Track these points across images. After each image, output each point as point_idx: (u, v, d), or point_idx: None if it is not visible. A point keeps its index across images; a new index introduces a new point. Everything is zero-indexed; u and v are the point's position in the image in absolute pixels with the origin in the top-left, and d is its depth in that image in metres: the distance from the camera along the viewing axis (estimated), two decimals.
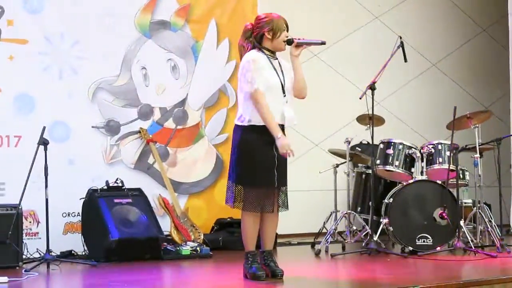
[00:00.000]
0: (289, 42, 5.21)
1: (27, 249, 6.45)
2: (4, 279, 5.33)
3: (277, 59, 5.25)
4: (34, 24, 6.94)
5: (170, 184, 7.28)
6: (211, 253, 6.86)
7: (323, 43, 5.35)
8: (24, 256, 6.27)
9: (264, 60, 5.16)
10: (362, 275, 5.74)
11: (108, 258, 6.42)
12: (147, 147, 7.39)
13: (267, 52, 5.21)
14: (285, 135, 5.18)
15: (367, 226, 7.12)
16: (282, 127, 5.19)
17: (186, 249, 6.80)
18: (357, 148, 7.72)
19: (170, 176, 7.43)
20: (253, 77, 5.07)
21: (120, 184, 6.91)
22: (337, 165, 7.65)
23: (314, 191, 8.41)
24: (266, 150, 5.13)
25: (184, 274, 6.20)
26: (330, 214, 7.52)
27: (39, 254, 6.42)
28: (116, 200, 6.73)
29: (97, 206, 6.60)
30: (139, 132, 7.40)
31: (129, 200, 6.78)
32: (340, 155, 7.67)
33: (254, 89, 5.06)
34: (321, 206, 7.89)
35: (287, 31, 5.24)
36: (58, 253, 6.54)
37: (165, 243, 6.83)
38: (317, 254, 6.84)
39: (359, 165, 7.87)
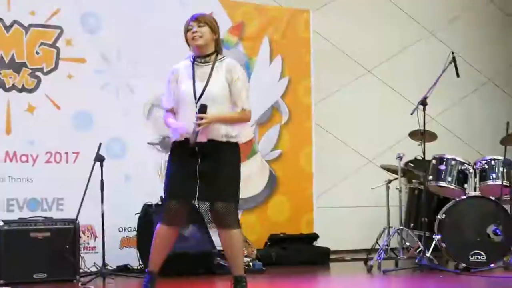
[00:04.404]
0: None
1: (84, 262, 6.60)
2: None
3: (209, 63, 4.82)
4: (92, 43, 7.14)
5: None
6: (263, 268, 6.92)
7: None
8: (81, 270, 6.42)
9: (184, 69, 4.87)
10: None
11: (162, 272, 6.51)
12: None
13: (196, 60, 4.86)
14: (201, 148, 4.70)
15: (420, 243, 7.08)
16: (187, 141, 4.69)
17: None
18: (409, 163, 7.69)
19: None
20: (165, 94, 4.94)
21: None
22: (390, 181, 7.64)
23: (367, 207, 8.40)
24: (183, 162, 4.77)
25: None
26: (383, 230, 7.50)
27: (96, 268, 6.56)
28: None
29: (152, 221, 6.72)
30: None
31: None
32: (393, 171, 7.66)
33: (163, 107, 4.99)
34: (374, 222, 7.87)
35: (207, 25, 4.84)
36: (115, 267, 6.68)
37: (218, 258, 6.90)
38: (370, 270, 6.85)
39: (413, 180, 7.84)
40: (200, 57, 4.86)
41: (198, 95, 4.74)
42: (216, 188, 4.77)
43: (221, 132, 4.75)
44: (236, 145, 4.85)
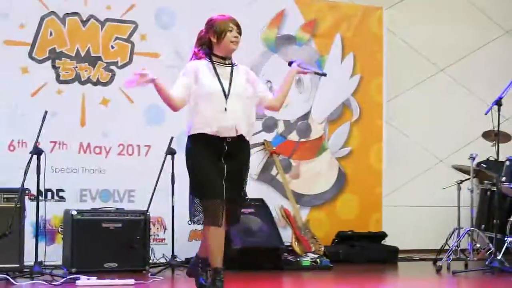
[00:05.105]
0: (289, 63, 5.17)
1: (154, 254, 6.71)
2: (131, 281, 5.61)
3: (230, 66, 5.00)
4: (166, 38, 7.24)
5: (292, 195, 7.40)
6: (331, 265, 6.90)
7: (323, 74, 5.36)
8: (151, 261, 6.54)
9: (204, 66, 4.95)
10: None
11: (230, 266, 6.56)
12: (271, 158, 7.54)
13: (216, 59, 4.99)
14: (228, 145, 4.85)
15: (491, 244, 6.96)
16: (217, 137, 4.84)
17: (306, 260, 6.88)
18: (482, 164, 7.56)
19: (292, 187, 7.55)
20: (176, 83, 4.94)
21: (243, 194, 7.07)
22: (461, 181, 7.53)
23: (438, 207, 8.29)
24: (212, 160, 4.88)
25: (304, 285, 6.29)
26: (453, 231, 7.40)
27: (165, 259, 6.67)
28: None
29: None
30: (263, 144, 7.57)
31: (252, 210, 6.94)
32: (465, 171, 7.55)
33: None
34: (444, 223, 7.78)
35: (239, 33, 4.99)
36: (183, 259, 6.77)
37: (286, 254, 6.93)
38: (439, 270, 6.77)
39: (485, 182, 7.72)
40: (221, 58, 5.00)
41: (227, 92, 4.89)
42: (238, 189, 4.96)
43: (245, 129, 4.92)
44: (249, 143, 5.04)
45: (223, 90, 4.90)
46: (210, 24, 5.02)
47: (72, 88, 6.97)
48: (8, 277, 5.63)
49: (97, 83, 7.04)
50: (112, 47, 7.11)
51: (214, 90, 4.89)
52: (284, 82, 5.10)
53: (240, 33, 4.99)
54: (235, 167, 4.91)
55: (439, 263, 6.92)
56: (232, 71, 4.99)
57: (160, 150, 6.59)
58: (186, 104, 4.94)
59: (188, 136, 4.99)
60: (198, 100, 4.89)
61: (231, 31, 4.95)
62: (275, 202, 7.39)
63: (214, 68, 4.96)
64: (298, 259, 6.92)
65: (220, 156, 4.89)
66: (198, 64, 4.97)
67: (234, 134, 4.87)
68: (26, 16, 6.84)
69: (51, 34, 6.93)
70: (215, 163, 4.87)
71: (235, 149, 4.90)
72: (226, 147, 4.87)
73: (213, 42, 4.98)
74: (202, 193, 4.89)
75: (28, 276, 5.77)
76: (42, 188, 6.06)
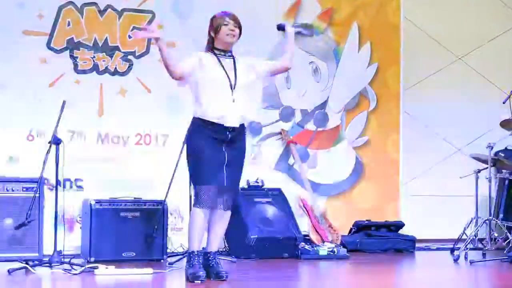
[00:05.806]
0: (280, 27, 5.44)
1: (171, 243, 6.74)
2: (149, 270, 5.65)
3: (231, 57, 5.25)
4: (183, 28, 7.25)
5: (309, 185, 7.40)
6: (348, 254, 6.91)
7: (311, 35, 5.64)
8: (168, 250, 6.57)
9: (209, 57, 5.20)
10: (502, 283, 5.63)
11: (247, 255, 6.61)
12: (288, 148, 7.55)
13: (217, 52, 5.23)
14: (231, 134, 5.13)
15: (508, 234, 6.95)
16: (221, 126, 5.10)
17: (323, 250, 6.88)
18: (500, 153, 7.53)
19: (309, 177, 7.55)
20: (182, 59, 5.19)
21: (260, 184, 7.11)
22: (479, 171, 7.50)
23: (455, 197, 8.26)
24: (213, 147, 5.12)
25: (321, 274, 6.30)
26: (471, 220, 7.38)
27: (183, 248, 6.69)
28: (256, 199, 6.94)
29: (238, 204, 6.79)
30: (280, 133, 7.57)
31: (269, 200, 6.96)
32: (483, 160, 7.52)
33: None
34: (462, 212, 7.76)
35: (239, 28, 5.20)
36: (201, 249, 6.78)
37: (303, 243, 6.94)
38: (456, 260, 6.76)
39: (503, 171, 7.68)
40: (221, 50, 5.24)
41: (233, 82, 5.14)
42: (236, 177, 5.26)
43: (246, 119, 5.22)
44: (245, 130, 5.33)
45: (230, 81, 5.14)
46: (211, 20, 5.29)
47: (90, 78, 7.01)
48: (27, 266, 5.68)
49: (114, 73, 7.07)
50: (130, 37, 7.13)
51: (220, 79, 5.14)
52: (288, 44, 5.41)
53: (238, 27, 5.21)
54: (235, 154, 5.18)
55: (456, 253, 6.90)
56: (234, 63, 5.23)
57: (178, 139, 6.59)
58: (184, 80, 5.18)
59: (194, 118, 5.21)
60: (205, 88, 5.13)
61: (226, 25, 5.19)
62: (292, 191, 7.39)
63: (218, 59, 5.20)
64: (315, 248, 6.92)
65: (221, 143, 5.12)
66: (203, 54, 5.24)
67: (237, 125, 5.13)
68: (44, 6, 6.88)
69: (69, 24, 6.96)
70: (216, 150, 5.11)
71: (235, 137, 5.17)
72: (229, 136, 5.12)
73: (213, 36, 5.23)
74: (201, 179, 5.12)
75: (47, 265, 5.82)
76: (60, 178, 6.11)
